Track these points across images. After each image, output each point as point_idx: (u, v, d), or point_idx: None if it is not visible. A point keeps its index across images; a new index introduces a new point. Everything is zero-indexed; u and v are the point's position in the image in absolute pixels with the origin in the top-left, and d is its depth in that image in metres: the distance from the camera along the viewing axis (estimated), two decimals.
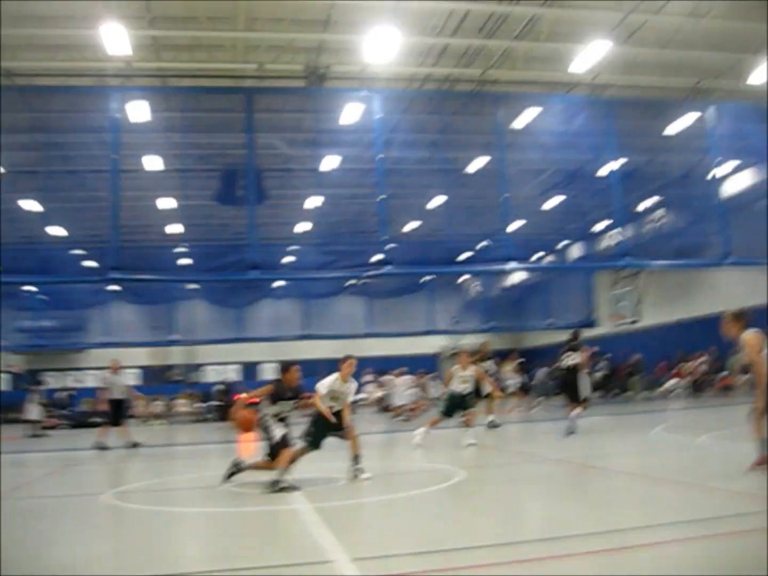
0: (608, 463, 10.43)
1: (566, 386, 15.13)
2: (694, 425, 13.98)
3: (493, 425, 17.68)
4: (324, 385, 9.82)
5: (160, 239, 29.31)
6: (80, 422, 29.34)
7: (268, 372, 45.10)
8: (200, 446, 17.85)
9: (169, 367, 41.73)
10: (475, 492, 8.65)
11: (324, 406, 9.70)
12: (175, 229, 28.37)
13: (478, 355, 18.80)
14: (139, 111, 17.85)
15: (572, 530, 6.06)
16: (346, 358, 10.24)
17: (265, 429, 9.29)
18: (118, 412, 17.80)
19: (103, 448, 17.09)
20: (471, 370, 14.26)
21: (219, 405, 31.91)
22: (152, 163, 22.21)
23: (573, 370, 14.89)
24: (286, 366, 9.95)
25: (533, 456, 11.87)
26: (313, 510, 7.32)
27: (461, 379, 14.03)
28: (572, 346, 15.44)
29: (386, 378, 29.43)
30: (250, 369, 43.54)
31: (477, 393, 15.68)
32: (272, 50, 19.50)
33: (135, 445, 17.44)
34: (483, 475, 9.96)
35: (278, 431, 9.20)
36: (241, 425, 9.69)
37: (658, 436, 13.49)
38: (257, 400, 9.70)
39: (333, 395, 9.90)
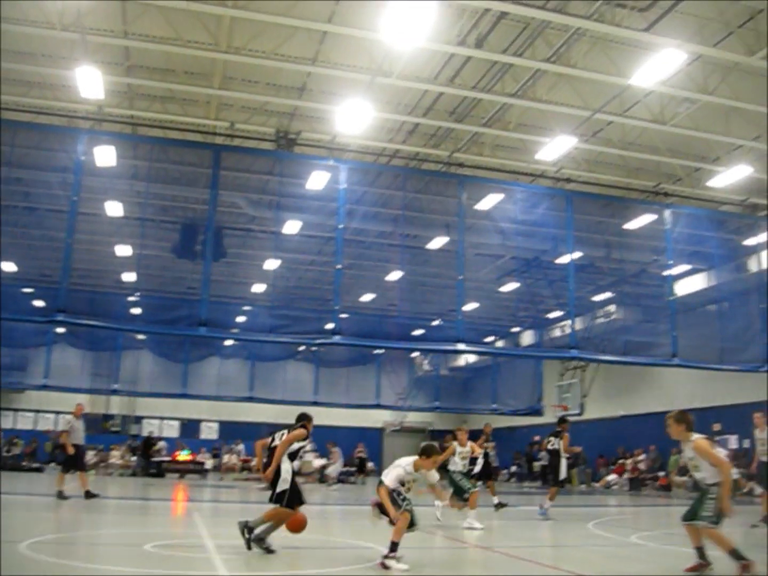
0: (534, 555, 10.31)
1: (548, 468, 15.48)
2: (627, 523, 13.91)
3: (500, 505, 17.50)
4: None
5: (113, 286, 28.94)
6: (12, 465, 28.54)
7: (208, 431, 44.44)
8: (132, 501, 17.35)
9: (108, 417, 40.80)
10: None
11: None
12: (129, 277, 28.09)
13: (484, 436, 18.75)
14: (105, 156, 17.76)
15: None
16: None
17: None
18: (77, 459, 17.35)
19: (64, 497, 16.41)
20: (469, 446, 14.58)
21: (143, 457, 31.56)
22: (113, 208, 22.07)
23: (555, 454, 15.84)
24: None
25: (460, 541, 11.69)
26: None
27: (461, 455, 14.20)
28: (555, 432, 16.29)
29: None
30: (190, 426, 42.81)
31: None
32: (245, 110, 19.71)
33: (93, 496, 16.88)
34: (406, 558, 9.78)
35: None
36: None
37: (588, 531, 13.41)
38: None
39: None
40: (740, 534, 12.93)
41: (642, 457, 30.73)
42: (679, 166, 21.84)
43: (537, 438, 40.39)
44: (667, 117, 18.97)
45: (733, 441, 27.89)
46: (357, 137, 20.12)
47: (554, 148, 19.59)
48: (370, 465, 40.67)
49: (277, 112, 19.85)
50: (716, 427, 27.05)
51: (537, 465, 37.56)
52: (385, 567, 7.79)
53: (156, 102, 19.49)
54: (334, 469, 29.58)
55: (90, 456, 31.82)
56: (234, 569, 7.73)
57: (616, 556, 10.35)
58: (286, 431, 9.70)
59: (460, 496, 13.80)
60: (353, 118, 17.97)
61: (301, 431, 9.75)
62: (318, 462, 32.82)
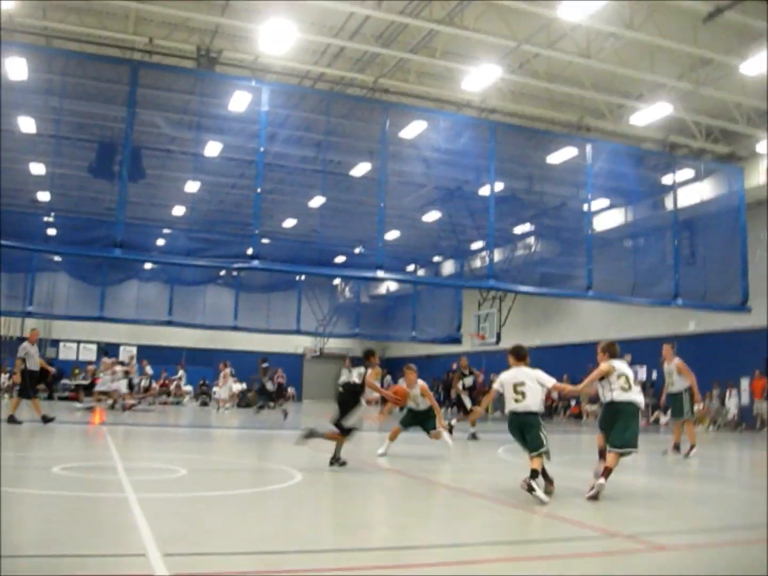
0: (438, 478, 10.56)
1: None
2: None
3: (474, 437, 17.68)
4: None
5: (27, 205, 28.05)
6: None
7: (127, 355, 43.96)
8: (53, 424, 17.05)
9: (22, 339, 39.90)
10: (306, 495, 8.57)
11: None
12: (43, 196, 27.24)
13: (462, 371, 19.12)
14: (17, 68, 16.99)
15: (385, 541, 6.08)
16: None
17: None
18: (31, 385, 17.00)
19: (17, 422, 16.02)
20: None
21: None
22: (26, 124, 21.25)
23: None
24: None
25: (370, 464, 11.90)
26: (136, 501, 7.08)
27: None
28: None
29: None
30: (108, 350, 42.22)
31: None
32: (165, 26, 19.03)
33: (49, 420, 16.56)
34: (318, 479, 9.90)
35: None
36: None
37: (496, 456, 13.78)
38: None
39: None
40: (655, 461, 13.48)
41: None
42: (602, 101, 22.00)
43: (455, 366, 41.16)
44: (592, 52, 19.00)
45: (642, 372, 28.89)
46: (280, 58, 19.69)
47: (480, 78, 19.50)
48: (290, 390, 41.01)
49: (199, 29, 19.21)
50: (627, 358, 27.81)
51: (454, 392, 38.29)
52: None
53: (72, 13, 18.63)
54: (224, 390, 29.44)
55: (4, 379, 31.29)
56: (141, 491, 7.70)
57: (517, 479, 10.66)
58: (361, 369, 10.89)
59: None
60: (277, 38, 17.54)
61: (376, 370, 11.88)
62: (237, 386, 32.89)
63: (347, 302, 37.33)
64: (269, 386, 26.26)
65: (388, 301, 39.85)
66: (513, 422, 8.42)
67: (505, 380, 8.52)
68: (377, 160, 19.84)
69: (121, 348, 43.68)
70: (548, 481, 8.53)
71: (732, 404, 25.60)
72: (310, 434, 10.40)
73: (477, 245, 27.58)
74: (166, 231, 25.37)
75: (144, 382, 30.71)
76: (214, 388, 32.56)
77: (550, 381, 8.57)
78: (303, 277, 33.15)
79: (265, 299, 33.99)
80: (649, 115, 21.50)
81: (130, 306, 33.26)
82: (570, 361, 29.83)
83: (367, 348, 11.53)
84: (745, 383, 25.95)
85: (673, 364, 14.50)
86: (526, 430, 8.31)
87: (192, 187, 23.99)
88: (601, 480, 8.17)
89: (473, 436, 17.43)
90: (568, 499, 8.40)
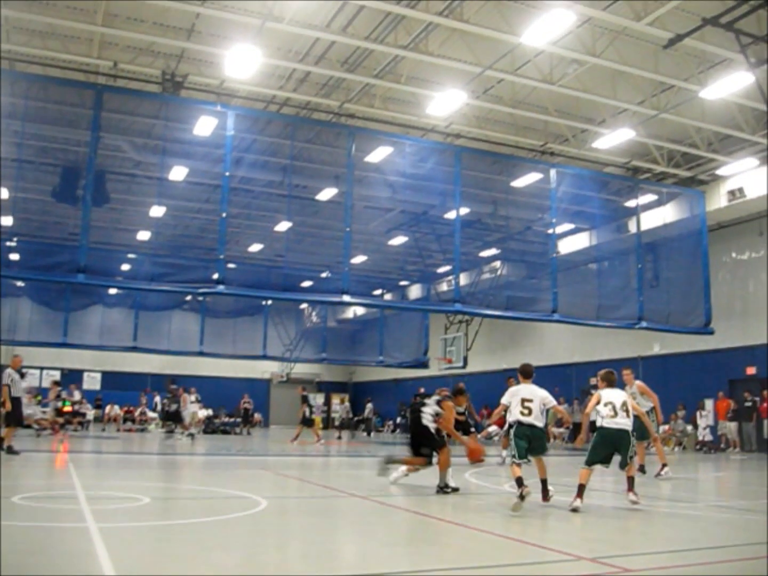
0: (404, 503, 10.49)
1: None
2: (505, 472, 14.29)
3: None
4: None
5: None
6: None
7: (91, 382, 43.38)
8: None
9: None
10: (271, 522, 8.47)
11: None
12: (6, 221, 26.88)
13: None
14: None
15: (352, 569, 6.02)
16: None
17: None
18: (18, 412, 16.61)
19: (15, 452, 15.71)
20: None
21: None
22: None
23: None
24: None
25: (335, 490, 11.81)
26: (97, 530, 6.95)
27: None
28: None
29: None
30: (71, 376, 41.68)
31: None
32: (130, 50, 18.94)
33: (14, 452, 16.01)
34: (283, 506, 9.80)
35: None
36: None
37: (463, 481, 13.72)
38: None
39: None
40: (621, 483, 13.50)
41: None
42: (566, 126, 22.23)
43: (422, 390, 41.12)
44: (555, 77, 19.23)
45: None
46: (246, 83, 19.69)
47: (445, 103, 19.64)
48: (257, 416, 40.72)
49: (164, 53, 19.17)
50: (593, 380, 28.05)
51: None
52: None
53: (35, 37, 18.50)
54: (186, 414, 29.00)
55: None
56: (102, 520, 7.56)
57: (483, 504, 10.63)
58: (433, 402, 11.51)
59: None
60: (242, 62, 17.53)
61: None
62: (203, 412, 32.62)
63: (314, 327, 37.22)
64: (173, 407, 26.07)
65: (355, 325, 39.83)
66: (519, 431, 9.29)
67: (514, 394, 9.49)
68: (343, 185, 19.87)
69: (85, 374, 43.21)
70: (545, 490, 9.66)
71: (703, 424, 25.77)
72: (390, 461, 11.20)
73: (443, 269, 27.72)
74: (130, 256, 25.20)
75: (67, 407, 29.52)
76: None
77: (552, 403, 9.62)
78: (269, 302, 33.04)
79: (231, 324, 33.80)
80: (612, 139, 21.78)
81: (94, 332, 32.81)
82: (537, 383, 29.87)
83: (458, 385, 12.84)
84: (709, 404, 26.19)
85: (634, 386, 14.56)
86: (534, 438, 9.32)
87: (157, 211, 23.84)
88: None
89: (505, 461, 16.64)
90: (533, 522, 8.38)
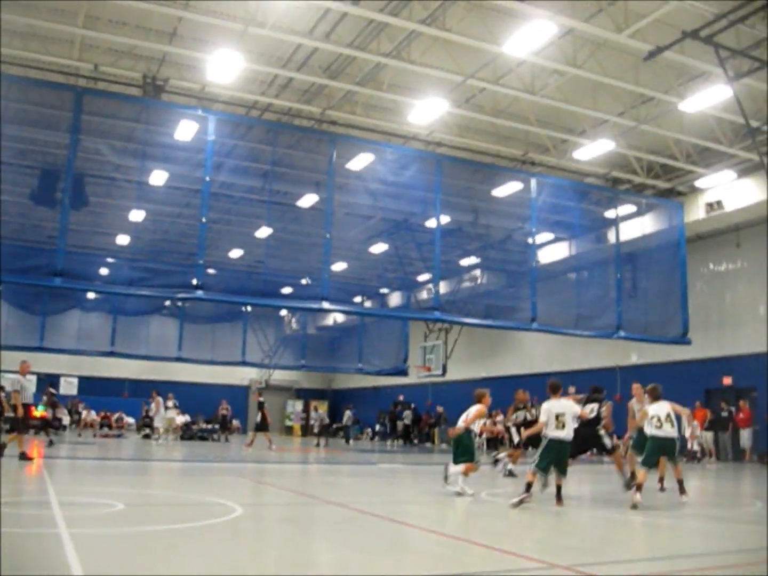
0: (379, 510, 10.45)
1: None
2: (483, 480, 14.29)
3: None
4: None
5: None
6: None
7: (68, 387, 42.99)
8: None
9: None
10: (246, 529, 8.42)
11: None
12: None
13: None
14: None
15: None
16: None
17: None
18: (26, 419, 16.42)
19: (29, 458, 15.53)
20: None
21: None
22: None
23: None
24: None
25: (312, 497, 11.77)
26: (69, 537, 6.87)
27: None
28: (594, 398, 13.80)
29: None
30: (48, 381, 41.32)
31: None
32: (111, 53, 18.90)
33: (29, 459, 15.79)
34: (258, 513, 9.75)
35: None
36: None
37: (441, 489, 13.70)
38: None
39: None
40: (600, 492, 13.53)
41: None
42: (546, 136, 22.35)
43: (401, 398, 41.14)
44: (537, 88, 19.34)
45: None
46: (228, 88, 19.66)
47: (426, 111, 19.69)
48: (235, 422, 40.54)
49: (146, 56, 19.13)
50: (572, 389, 28.14)
51: (400, 424, 38.25)
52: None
53: (15, 38, 18.39)
54: (157, 419, 28.84)
55: None
56: (75, 526, 7.49)
57: (459, 511, 10.62)
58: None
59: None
60: (224, 67, 17.53)
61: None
62: (181, 418, 32.41)
63: (293, 333, 37.12)
64: (49, 414, 26.03)
65: (335, 332, 39.75)
66: (554, 447, 10.07)
67: (550, 411, 10.14)
68: (324, 192, 19.83)
69: (62, 379, 42.83)
70: (559, 498, 10.29)
71: (688, 434, 25.81)
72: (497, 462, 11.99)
73: (423, 277, 27.70)
74: (109, 260, 24.95)
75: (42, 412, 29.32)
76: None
77: (577, 410, 10.57)
78: (249, 308, 32.93)
79: (210, 330, 33.65)
80: (592, 150, 21.92)
81: (71, 336, 32.55)
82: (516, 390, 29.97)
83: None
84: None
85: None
86: (561, 456, 10.15)
87: (136, 215, 23.72)
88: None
89: (510, 473, 16.16)
90: (510, 530, 8.38)
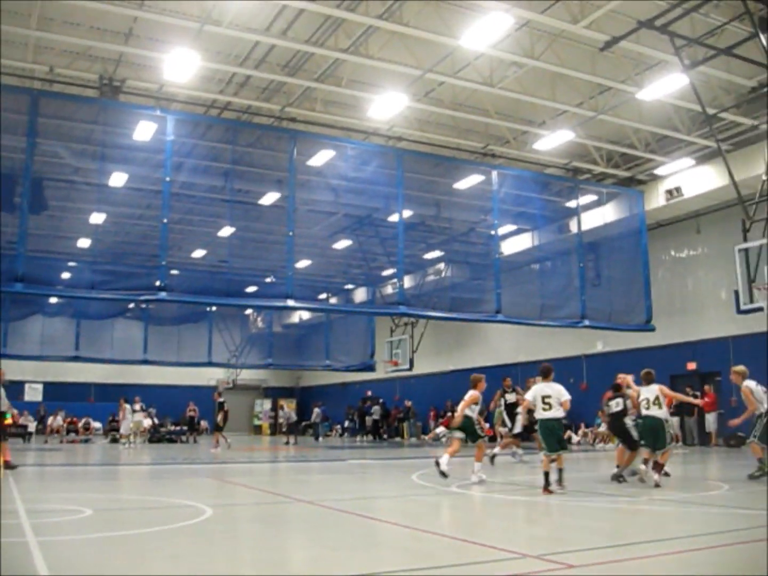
0: (350, 506, 10.46)
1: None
2: (452, 473, 14.36)
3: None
4: None
5: None
6: None
7: (33, 393, 42.41)
8: None
9: None
10: (217, 530, 8.38)
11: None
12: None
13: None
14: None
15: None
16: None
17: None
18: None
19: (13, 467, 15.37)
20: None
21: None
22: None
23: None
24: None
25: (282, 496, 11.75)
26: (37, 545, 6.80)
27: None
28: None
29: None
30: (12, 388, 40.68)
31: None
32: (66, 54, 18.60)
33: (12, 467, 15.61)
34: (229, 514, 9.71)
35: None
36: None
37: (411, 482, 13.74)
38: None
39: None
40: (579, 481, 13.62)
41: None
42: (506, 128, 22.43)
43: (369, 393, 41.18)
44: (495, 80, 19.40)
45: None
46: (185, 87, 19.49)
47: (386, 106, 19.68)
48: (203, 423, 40.26)
49: (101, 57, 18.86)
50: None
51: (369, 420, 38.26)
52: None
53: None
54: (123, 425, 28.60)
55: None
56: (43, 534, 7.40)
57: (430, 505, 10.67)
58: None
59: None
60: (181, 66, 17.37)
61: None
62: (148, 421, 32.14)
63: (259, 332, 37.01)
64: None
65: (301, 330, 39.71)
66: (546, 426, 10.87)
67: (536, 393, 10.95)
68: (286, 189, 19.78)
69: (26, 386, 42.25)
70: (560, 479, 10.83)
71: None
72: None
73: (388, 272, 27.75)
74: (70, 264, 24.71)
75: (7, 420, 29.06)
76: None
77: (564, 396, 10.94)
78: (214, 308, 32.78)
79: (175, 331, 33.46)
80: (552, 141, 22.06)
81: (34, 342, 32.19)
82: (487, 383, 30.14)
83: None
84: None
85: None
86: (555, 431, 10.85)
87: (97, 218, 23.46)
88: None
89: (492, 459, 16.52)
90: (481, 522, 8.43)
